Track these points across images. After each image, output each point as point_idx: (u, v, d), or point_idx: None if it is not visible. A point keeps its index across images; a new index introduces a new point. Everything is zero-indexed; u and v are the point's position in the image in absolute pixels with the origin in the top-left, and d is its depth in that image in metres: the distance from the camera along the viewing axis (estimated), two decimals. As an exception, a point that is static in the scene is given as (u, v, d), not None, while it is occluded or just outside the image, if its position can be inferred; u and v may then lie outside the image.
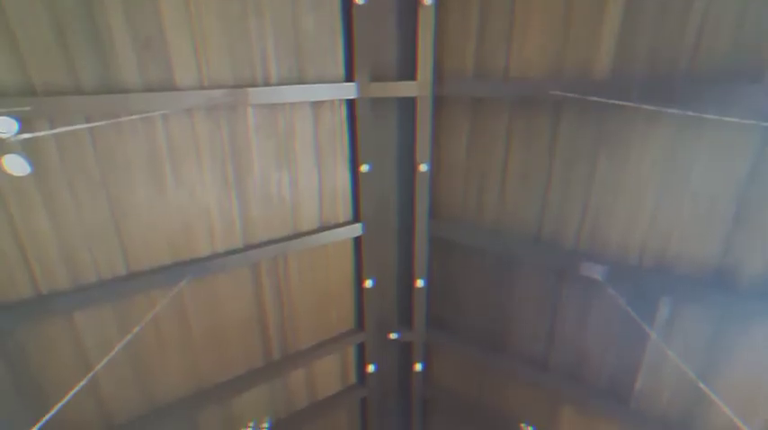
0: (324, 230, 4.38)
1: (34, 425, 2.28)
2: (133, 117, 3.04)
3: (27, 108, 2.69)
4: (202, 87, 3.36)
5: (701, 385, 2.63)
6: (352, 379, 5.53)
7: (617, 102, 2.92)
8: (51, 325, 3.32)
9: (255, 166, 3.85)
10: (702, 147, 2.99)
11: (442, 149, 4.36)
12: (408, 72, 4.03)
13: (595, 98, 3.05)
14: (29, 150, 2.28)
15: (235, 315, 4.23)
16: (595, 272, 3.63)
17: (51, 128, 2.83)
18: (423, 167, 4.24)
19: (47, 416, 2.30)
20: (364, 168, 4.26)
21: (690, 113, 2.51)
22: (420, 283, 4.77)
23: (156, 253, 3.61)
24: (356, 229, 4.55)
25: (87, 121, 2.73)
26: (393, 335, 5.16)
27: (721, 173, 2.97)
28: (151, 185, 3.41)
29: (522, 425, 3.78)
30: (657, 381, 3.68)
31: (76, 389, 2.56)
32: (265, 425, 3.81)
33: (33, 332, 3.26)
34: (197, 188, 3.63)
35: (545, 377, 4.41)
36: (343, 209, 4.56)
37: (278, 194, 4.09)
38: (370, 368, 5.28)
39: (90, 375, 2.74)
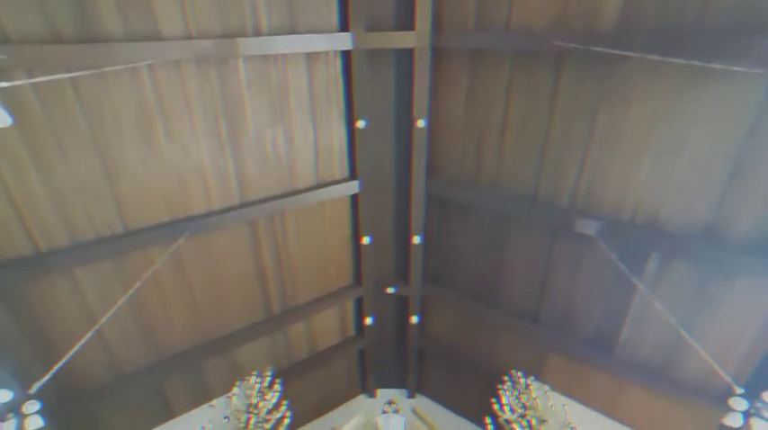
0: (320, 188, 4.36)
1: (47, 372, 2.39)
2: (117, 68, 2.91)
3: (2, 56, 2.56)
4: (190, 37, 3.19)
5: (683, 332, 2.76)
6: (351, 331, 5.75)
7: (622, 52, 2.82)
8: (54, 281, 3.37)
9: (249, 123, 3.76)
10: (705, 103, 2.93)
11: (441, 104, 4.25)
12: (406, 22, 3.84)
13: (600, 49, 2.94)
14: (9, 102, 2.19)
15: (234, 271, 4.31)
16: (589, 228, 3.68)
17: (29, 78, 2.71)
18: (420, 123, 4.16)
19: (58, 364, 2.41)
20: (360, 124, 4.17)
21: (696, 63, 2.44)
22: (416, 240, 4.84)
23: (152, 210, 3.60)
24: (353, 187, 4.53)
25: (68, 72, 2.61)
26: (390, 290, 5.31)
27: (721, 129, 2.93)
28: (142, 141, 3.34)
29: (513, 371, 3.99)
30: (641, 331, 3.85)
31: (83, 340, 2.65)
32: (268, 374, 4.00)
33: (38, 288, 3.31)
34: (190, 145, 3.55)
35: (535, 328, 4.60)
36: (340, 166, 4.52)
37: (273, 151, 4.02)
38: (368, 321, 5.48)
39: (95, 328, 2.83)
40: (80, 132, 3.07)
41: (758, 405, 2.16)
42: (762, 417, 2.13)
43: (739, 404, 2.20)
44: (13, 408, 2.18)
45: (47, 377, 2.32)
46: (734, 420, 2.24)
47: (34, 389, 2.26)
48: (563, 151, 3.68)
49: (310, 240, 4.64)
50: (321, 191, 4.35)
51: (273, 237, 4.38)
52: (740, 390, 2.28)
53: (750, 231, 3.05)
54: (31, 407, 2.23)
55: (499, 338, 5.08)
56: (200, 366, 4.55)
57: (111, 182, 3.33)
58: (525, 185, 4.04)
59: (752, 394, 2.31)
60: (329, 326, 5.46)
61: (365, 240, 4.81)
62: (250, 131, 3.79)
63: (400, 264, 5.26)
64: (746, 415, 2.18)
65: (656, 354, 3.88)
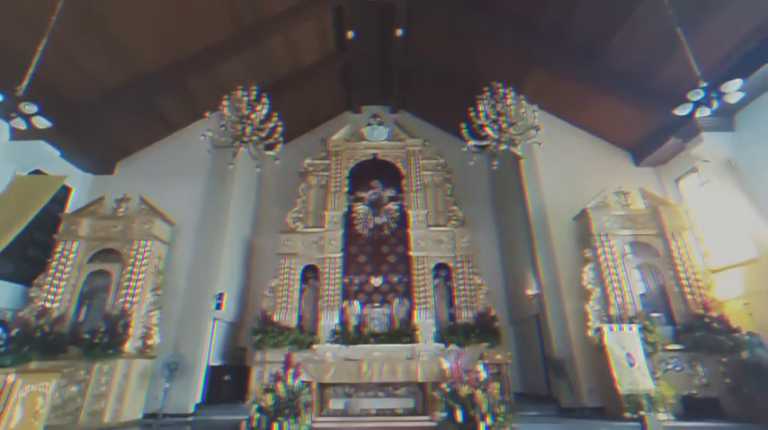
0: None
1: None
2: None
3: None
4: None
5: (679, 31, 2.67)
6: (332, 46, 5.44)
7: None
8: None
9: None
10: None
11: None
12: None
13: None
14: None
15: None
16: None
17: None
18: None
19: (30, 70, 2.34)
20: None
21: None
22: (405, -77, 3.86)
23: None
24: None
25: None
26: (372, -3, 4.68)
27: None
28: None
29: (494, 82, 4.06)
30: (634, 37, 3.72)
31: (41, 47, 2.48)
32: (254, 88, 4.00)
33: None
34: None
35: (525, 36, 4.42)
36: None
37: None
38: (350, 35, 5.11)
39: (46, 37, 2.59)
40: None
41: (712, 95, 2.35)
42: (707, 106, 2.36)
43: (695, 95, 2.38)
44: (12, 109, 2.27)
45: (26, 81, 2.30)
46: (683, 110, 2.49)
47: (20, 92, 2.28)
48: None
49: None
50: None
51: None
52: (704, 84, 2.42)
53: None
54: (30, 108, 2.31)
55: (486, 50, 4.93)
56: (183, 82, 4.54)
57: None
58: None
59: (712, 88, 2.47)
60: (308, 40, 5.13)
61: (340, -76, 3.82)
62: None
63: (384, -39, 4.41)
64: (696, 104, 2.41)
65: (638, 62, 3.91)
